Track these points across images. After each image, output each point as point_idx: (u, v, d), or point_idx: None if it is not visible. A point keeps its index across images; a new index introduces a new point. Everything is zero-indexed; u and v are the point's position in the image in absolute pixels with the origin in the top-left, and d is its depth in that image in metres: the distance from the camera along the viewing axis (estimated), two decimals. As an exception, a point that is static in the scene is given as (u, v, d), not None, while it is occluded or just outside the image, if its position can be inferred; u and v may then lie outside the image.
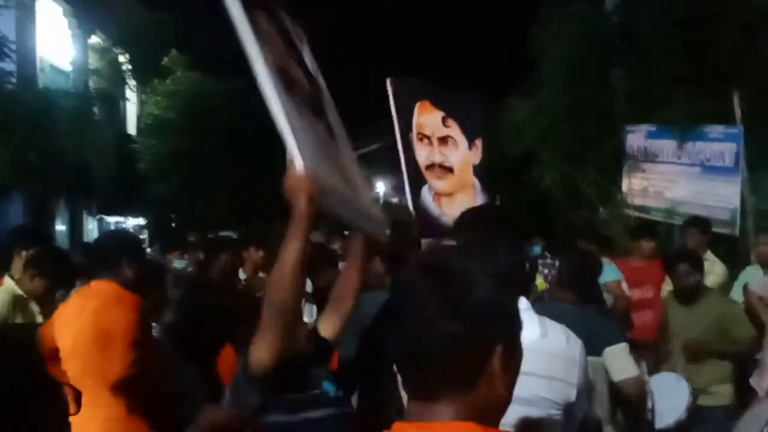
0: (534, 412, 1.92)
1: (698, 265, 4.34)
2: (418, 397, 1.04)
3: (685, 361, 4.18)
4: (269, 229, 6.67)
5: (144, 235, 16.15)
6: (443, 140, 5.15)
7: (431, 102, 5.15)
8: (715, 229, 5.72)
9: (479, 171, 5.20)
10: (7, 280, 3.94)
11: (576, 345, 2.02)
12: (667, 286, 5.23)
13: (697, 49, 6.25)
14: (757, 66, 6.33)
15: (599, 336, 3.17)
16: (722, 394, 4.14)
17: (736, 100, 6.34)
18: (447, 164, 5.10)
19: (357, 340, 3.17)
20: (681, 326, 4.34)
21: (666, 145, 6.97)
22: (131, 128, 17.68)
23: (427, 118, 5.15)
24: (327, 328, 2.55)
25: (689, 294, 4.32)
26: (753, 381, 3.52)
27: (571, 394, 1.98)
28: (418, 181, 4.93)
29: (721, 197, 6.42)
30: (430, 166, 5.11)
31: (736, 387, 4.17)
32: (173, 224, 15.79)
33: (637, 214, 7.23)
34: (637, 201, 7.33)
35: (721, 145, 6.46)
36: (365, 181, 2.59)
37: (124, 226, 16.90)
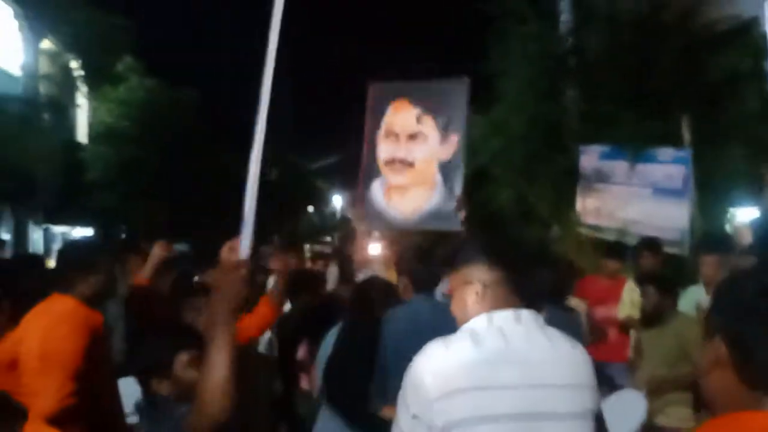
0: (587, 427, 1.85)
1: (665, 289, 4.39)
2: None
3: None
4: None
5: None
6: (412, 137, 5.31)
7: (409, 100, 5.30)
8: (664, 249, 5.85)
9: (448, 168, 5.29)
10: None
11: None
12: (624, 307, 5.37)
13: (642, 71, 6.41)
14: (703, 88, 6.51)
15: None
16: (680, 417, 4.17)
17: (684, 123, 6.51)
18: (409, 159, 5.26)
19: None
20: (647, 348, 4.39)
21: (618, 167, 7.09)
22: (81, 136, 17.23)
23: (401, 116, 5.34)
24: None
25: (652, 317, 4.38)
26: None
27: (598, 401, 1.92)
28: (371, 175, 5.15)
29: (670, 218, 6.56)
30: (390, 162, 5.28)
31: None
32: (123, 235, 15.40)
33: (590, 233, 7.32)
34: (591, 220, 7.42)
35: (671, 167, 6.61)
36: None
37: (70, 235, 16.43)
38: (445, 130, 5.31)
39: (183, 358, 2.32)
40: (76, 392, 2.72)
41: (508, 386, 1.78)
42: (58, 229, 16.37)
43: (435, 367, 1.82)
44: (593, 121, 7.32)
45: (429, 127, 5.36)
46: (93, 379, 2.80)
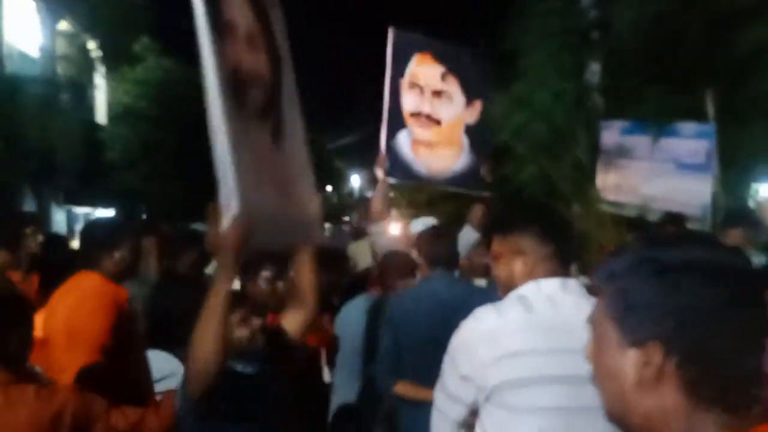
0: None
1: None
2: None
3: None
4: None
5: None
6: (437, 93, 5.26)
7: (433, 55, 5.24)
8: (687, 225, 5.80)
9: (474, 132, 5.26)
10: None
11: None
12: None
13: (669, 45, 6.31)
14: (728, 63, 6.39)
15: None
16: None
17: (708, 97, 6.41)
18: (435, 116, 5.22)
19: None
20: None
21: (640, 142, 7.01)
22: (100, 116, 17.33)
23: (426, 69, 5.27)
24: (292, 324, 2.73)
25: None
26: None
27: None
28: (396, 125, 5.05)
29: (693, 193, 6.49)
30: (416, 114, 5.22)
31: None
32: (143, 215, 15.53)
33: (611, 209, 7.26)
34: (611, 196, 7.36)
35: (694, 142, 6.53)
36: (308, 170, 2.64)
37: (92, 216, 16.60)
38: (469, 93, 5.26)
39: (235, 317, 2.41)
40: (103, 367, 2.77)
41: (558, 350, 1.84)
42: (80, 210, 16.54)
43: (487, 331, 1.91)
44: (617, 96, 7.23)
45: (454, 87, 5.31)
46: (120, 353, 2.84)
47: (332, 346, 4.04)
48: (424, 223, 4.57)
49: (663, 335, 0.94)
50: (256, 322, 2.58)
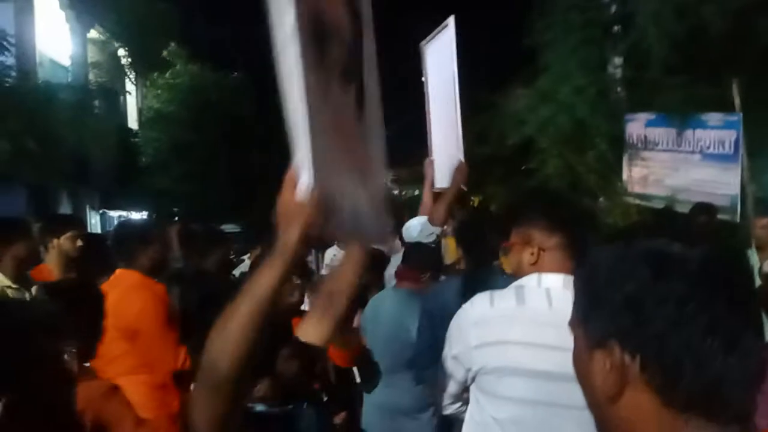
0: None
1: None
2: None
3: None
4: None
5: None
6: None
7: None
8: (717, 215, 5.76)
9: None
10: None
11: None
12: None
13: (694, 35, 6.26)
14: (754, 52, 6.34)
15: None
16: None
17: (734, 87, 6.36)
18: None
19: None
20: None
21: (665, 133, 6.99)
22: (132, 122, 17.69)
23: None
24: (314, 334, 2.10)
25: None
26: None
27: None
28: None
29: (721, 184, 6.45)
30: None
31: None
32: (176, 217, 15.82)
33: (637, 201, 7.25)
34: (638, 189, 7.35)
35: (721, 132, 6.48)
36: (384, 155, 2.01)
37: (127, 218, 16.95)
38: None
39: (285, 352, 2.08)
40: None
41: (544, 346, 1.84)
42: (114, 214, 16.89)
43: (478, 316, 1.97)
44: (641, 88, 7.21)
45: None
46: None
47: (364, 363, 3.70)
48: (419, 221, 4.42)
49: (620, 332, 0.85)
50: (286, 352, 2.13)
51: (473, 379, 1.97)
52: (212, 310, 2.45)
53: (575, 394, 0.98)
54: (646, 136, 7.21)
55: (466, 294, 3.23)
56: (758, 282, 4.54)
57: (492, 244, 3.68)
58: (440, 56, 3.93)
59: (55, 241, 3.99)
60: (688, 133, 6.74)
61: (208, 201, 14.98)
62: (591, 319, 0.89)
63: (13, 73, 10.17)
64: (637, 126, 7.31)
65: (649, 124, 7.17)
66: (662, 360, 0.82)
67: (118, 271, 3.25)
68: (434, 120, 4.15)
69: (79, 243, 4.04)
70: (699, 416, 0.82)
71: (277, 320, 2.00)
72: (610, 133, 7.38)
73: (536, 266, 1.99)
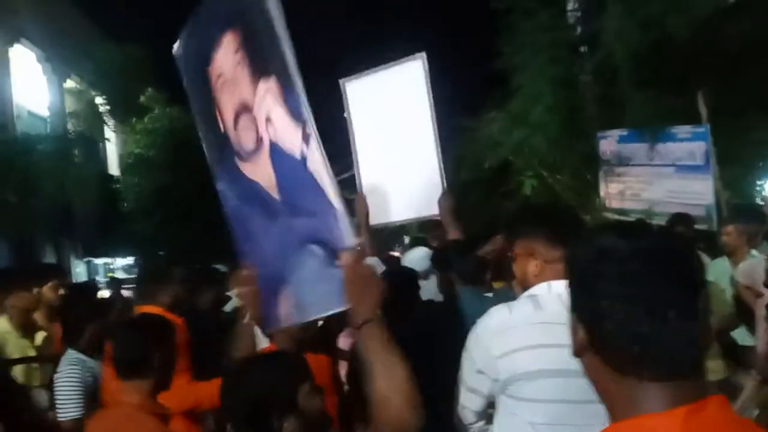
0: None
1: None
2: None
3: None
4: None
5: (134, 274, 16.12)
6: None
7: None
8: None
9: None
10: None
11: None
12: None
13: (658, 48, 6.42)
14: (718, 62, 6.51)
15: None
16: (714, 369, 4.28)
17: (700, 98, 6.52)
18: None
19: None
20: None
21: (638, 148, 7.13)
22: (114, 168, 17.70)
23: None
24: None
25: None
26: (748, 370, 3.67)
27: None
28: None
29: (695, 195, 6.58)
30: None
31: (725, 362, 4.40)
32: (161, 261, 15.78)
33: (615, 216, 7.36)
34: (615, 204, 7.47)
35: (691, 144, 6.63)
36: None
37: (112, 266, 16.87)
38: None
39: (305, 387, 1.97)
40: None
41: (565, 345, 1.88)
42: (100, 261, 16.81)
43: (499, 327, 2.01)
44: (610, 104, 7.36)
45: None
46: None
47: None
48: (418, 254, 4.45)
49: (574, 306, 1.03)
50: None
51: (502, 389, 2.00)
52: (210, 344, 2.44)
53: None
54: (619, 152, 7.35)
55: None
56: (729, 290, 4.64)
57: (480, 266, 3.73)
58: (396, 88, 3.81)
59: (37, 290, 4.02)
60: (660, 146, 6.88)
61: (191, 243, 14.95)
62: (571, 300, 1.06)
63: (-9, 127, 10.22)
64: (609, 143, 7.46)
65: (621, 140, 7.32)
66: (597, 328, 0.98)
67: (139, 309, 3.45)
68: (371, 154, 3.91)
69: (61, 291, 4.06)
70: (634, 376, 0.95)
71: (295, 357, 2.17)
72: (584, 150, 7.51)
73: (540, 277, 2.07)
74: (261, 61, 2.00)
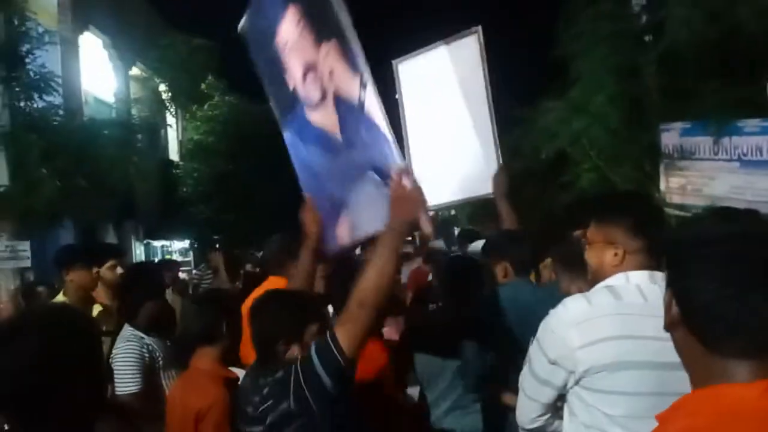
0: None
1: None
2: None
3: None
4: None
5: (189, 257, 16.54)
6: None
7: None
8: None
9: None
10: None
11: None
12: None
13: (725, 40, 6.18)
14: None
15: None
16: None
17: (769, 90, 6.25)
18: None
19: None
20: None
21: (702, 142, 6.89)
22: (173, 154, 18.17)
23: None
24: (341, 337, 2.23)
25: None
26: None
27: None
28: None
29: (761, 191, 6.32)
30: None
31: None
32: (217, 245, 16.16)
33: (676, 212, 7.15)
34: (676, 199, 7.24)
35: (758, 138, 6.36)
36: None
37: (170, 249, 17.35)
38: None
39: (313, 328, 2.32)
40: None
41: (646, 337, 1.87)
42: (158, 244, 17.30)
43: (578, 318, 1.97)
44: (674, 95, 7.13)
45: None
46: None
47: (400, 370, 3.56)
48: (479, 245, 4.39)
49: (670, 283, 1.11)
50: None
51: (577, 381, 1.97)
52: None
53: (679, 381, 1.18)
54: (682, 146, 7.12)
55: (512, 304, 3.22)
56: None
57: (533, 255, 3.67)
58: (450, 65, 3.73)
59: (96, 270, 4.17)
60: (725, 140, 6.62)
61: (246, 229, 15.24)
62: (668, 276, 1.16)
63: (61, 112, 10.59)
64: (672, 135, 7.23)
65: (685, 132, 7.09)
66: (688, 304, 1.07)
67: (270, 278, 3.67)
68: (423, 136, 3.82)
69: (119, 271, 4.20)
70: (719, 351, 1.03)
71: (310, 298, 2.59)
72: (645, 142, 7.30)
73: (619, 267, 2.02)
74: (321, 27, 2.40)
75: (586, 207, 2.36)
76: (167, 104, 16.18)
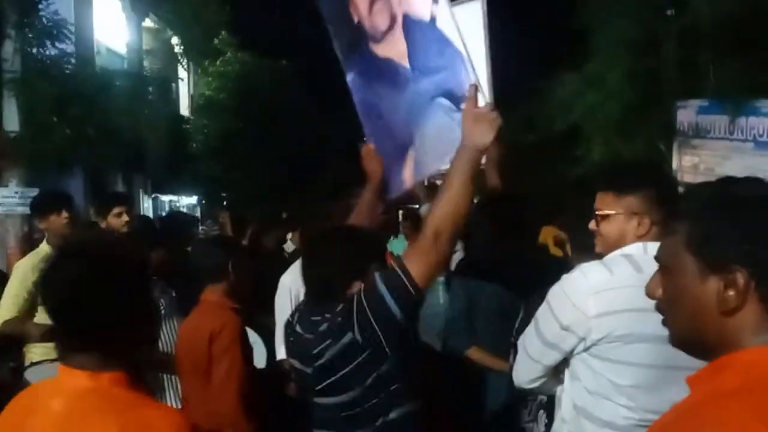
0: None
1: None
2: None
3: None
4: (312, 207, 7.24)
5: (197, 213, 16.60)
6: None
7: None
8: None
9: None
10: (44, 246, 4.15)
11: None
12: None
13: (748, 18, 6.09)
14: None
15: None
16: None
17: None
18: None
19: None
20: None
21: (717, 121, 6.83)
22: (184, 109, 18.09)
23: None
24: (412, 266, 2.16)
25: None
26: None
27: None
28: None
29: (775, 173, 6.29)
30: None
31: None
32: (224, 202, 16.17)
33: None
34: (688, 178, 7.21)
35: (774, 119, 6.32)
36: None
37: (177, 204, 17.40)
38: None
39: (375, 266, 2.20)
40: None
41: None
42: (166, 198, 17.33)
43: (597, 287, 1.96)
44: (692, 72, 7.03)
45: None
46: None
47: None
48: None
49: (746, 259, 1.05)
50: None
51: (587, 348, 1.97)
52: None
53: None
54: (697, 124, 7.06)
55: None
56: None
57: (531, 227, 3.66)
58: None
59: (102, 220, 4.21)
60: (741, 120, 6.57)
61: (254, 187, 15.25)
62: (709, 250, 1.08)
63: (73, 61, 10.52)
64: (688, 113, 7.17)
65: (701, 110, 7.02)
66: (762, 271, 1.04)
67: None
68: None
69: (126, 218, 4.22)
70: None
71: (374, 237, 2.50)
72: (660, 119, 7.23)
73: (641, 238, 2.00)
74: None
75: (602, 178, 2.30)
76: (179, 58, 16.03)
